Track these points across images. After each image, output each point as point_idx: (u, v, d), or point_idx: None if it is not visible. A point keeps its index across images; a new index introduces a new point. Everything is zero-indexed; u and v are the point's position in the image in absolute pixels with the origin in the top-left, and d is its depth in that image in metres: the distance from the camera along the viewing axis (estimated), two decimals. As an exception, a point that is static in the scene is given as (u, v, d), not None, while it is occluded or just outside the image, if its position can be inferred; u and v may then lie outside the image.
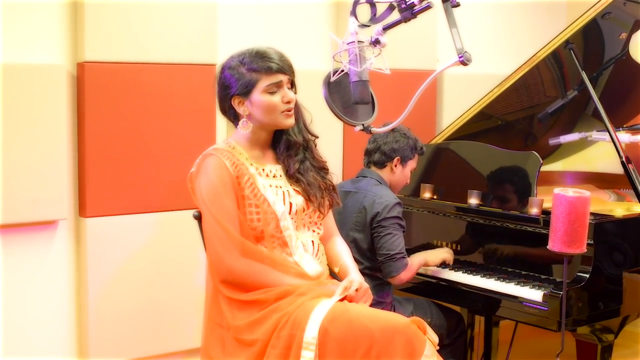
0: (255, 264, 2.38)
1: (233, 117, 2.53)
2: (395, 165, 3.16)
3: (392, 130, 3.12)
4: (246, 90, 2.44)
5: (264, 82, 2.44)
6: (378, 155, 3.16)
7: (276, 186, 2.50)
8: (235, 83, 2.45)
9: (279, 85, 2.45)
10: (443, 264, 3.19)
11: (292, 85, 2.51)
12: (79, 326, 3.18)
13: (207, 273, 2.53)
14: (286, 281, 2.40)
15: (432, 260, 3.14)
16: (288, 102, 2.47)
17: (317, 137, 2.64)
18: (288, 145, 2.55)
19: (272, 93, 2.44)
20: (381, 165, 3.17)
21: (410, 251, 3.29)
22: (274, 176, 2.52)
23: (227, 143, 2.54)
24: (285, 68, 2.46)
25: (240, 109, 2.48)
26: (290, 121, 2.49)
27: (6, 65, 2.88)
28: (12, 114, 2.89)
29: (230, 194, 2.41)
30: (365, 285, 2.50)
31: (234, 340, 2.36)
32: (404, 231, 3.03)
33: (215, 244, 2.39)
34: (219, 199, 2.40)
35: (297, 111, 2.54)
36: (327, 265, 2.63)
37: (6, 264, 2.98)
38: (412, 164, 3.22)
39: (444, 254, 3.17)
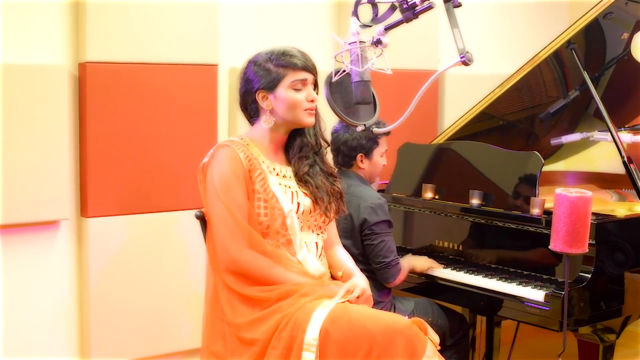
0: (259, 256, 2.39)
1: (254, 111, 2.55)
2: (361, 162, 3.13)
3: (346, 128, 3.08)
4: (272, 85, 2.47)
5: (290, 77, 2.47)
6: (341, 157, 3.12)
7: (285, 185, 2.51)
8: (261, 77, 2.48)
9: (304, 82, 2.48)
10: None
11: (315, 86, 2.54)
12: (81, 326, 3.18)
13: (207, 268, 2.53)
14: (289, 277, 2.40)
15: (420, 266, 3.12)
16: (312, 101, 2.49)
17: (328, 144, 2.66)
18: (301, 146, 2.56)
19: (297, 90, 2.47)
20: (348, 164, 3.13)
21: (412, 252, 3.30)
22: (283, 176, 2.53)
23: (241, 138, 2.55)
24: (311, 67, 2.51)
25: (263, 104, 2.50)
26: (311, 120, 2.51)
27: (8, 66, 2.88)
28: (13, 114, 2.89)
29: (241, 185, 2.42)
30: (369, 292, 2.50)
31: (234, 337, 2.37)
32: (391, 228, 3.02)
33: (223, 233, 2.40)
34: (231, 189, 2.41)
35: (316, 114, 2.55)
36: (330, 271, 2.63)
37: (8, 264, 2.98)
38: (379, 150, 3.15)
39: (430, 262, 3.14)
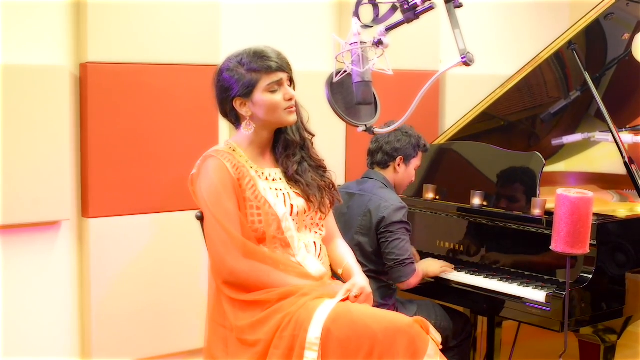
0: (257, 265, 2.39)
1: (234, 118, 2.54)
2: (399, 165, 3.15)
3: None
4: (247, 91, 2.44)
5: (265, 81, 2.44)
6: (380, 155, 3.15)
7: (276, 189, 2.50)
8: (236, 84, 2.45)
9: (279, 83, 2.46)
10: None
11: (291, 82, 2.52)
12: (82, 326, 3.18)
13: (209, 273, 2.53)
14: (289, 281, 2.40)
15: (433, 271, 3.12)
16: (290, 100, 2.48)
17: (313, 135, 2.64)
18: (286, 145, 2.55)
19: (273, 92, 2.45)
20: (384, 165, 3.16)
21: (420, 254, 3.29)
22: (273, 179, 2.52)
23: (227, 144, 2.54)
24: (284, 66, 2.47)
25: (242, 110, 2.48)
26: (293, 117, 2.50)
27: (9, 66, 2.88)
28: (15, 114, 2.89)
29: (231, 195, 2.41)
30: (368, 290, 2.49)
31: (236, 341, 2.37)
32: (410, 234, 3.03)
33: (218, 245, 2.39)
34: (220, 201, 2.40)
35: (297, 109, 2.54)
36: (331, 267, 2.63)
37: (8, 264, 2.98)
38: (415, 162, 3.21)
39: (444, 267, 3.14)
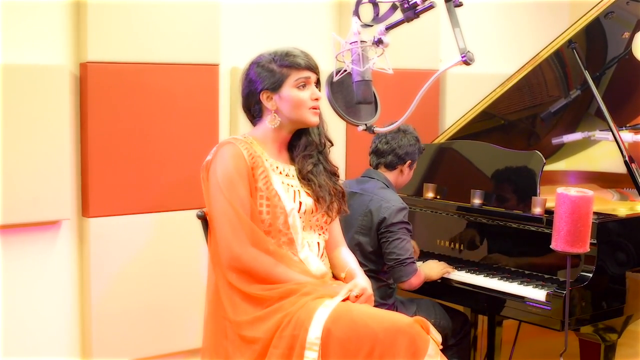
0: (262, 255, 2.40)
1: (258, 112, 2.56)
2: (405, 168, 3.16)
3: (404, 132, 3.12)
4: (276, 85, 2.48)
5: (294, 77, 2.48)
6: (391, 157, 3.13)
7: (288, 184, 2.52)
8: (265, 78, 2.49)
9: (307, 81, 2.50)
10: None
11: (318, 84, 2.56)
12: (82, 326, 3.18)
13: (209, 267, 2.53)
14: (292, 276, 2.40)
15: (436, 275, 3.12)
16: (316, 100, 2.51)
17: (332, 144, 2.67)
18: (306, 145, 2.58)
19: (301, 88, 2.48)
20: (392, 167, 3.15)
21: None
22: (286, 175, 2.54)
23: (244, 137, 2.55)
24: (313, 66, 2.53)
25: (268, 104, 2.51)
26: (316, 119, 2.53)
27: (9, 66, 2.88)
28: (15, 114, 2.89)
29: (244, 182, 2.43)
30: (370, 291, 2.49)
31: (236, 335, 2.37)
32: (411, 235, 3.03)
33: (226, 229, 2.40)
34: (234, 185, 2.42)
35: (319, 114, 2.56)
36: (333, 272, 2.63)
37: (9, 264, 2.98)
38: (415, 166, 3.22)
39: (445, 269, 3.14)
